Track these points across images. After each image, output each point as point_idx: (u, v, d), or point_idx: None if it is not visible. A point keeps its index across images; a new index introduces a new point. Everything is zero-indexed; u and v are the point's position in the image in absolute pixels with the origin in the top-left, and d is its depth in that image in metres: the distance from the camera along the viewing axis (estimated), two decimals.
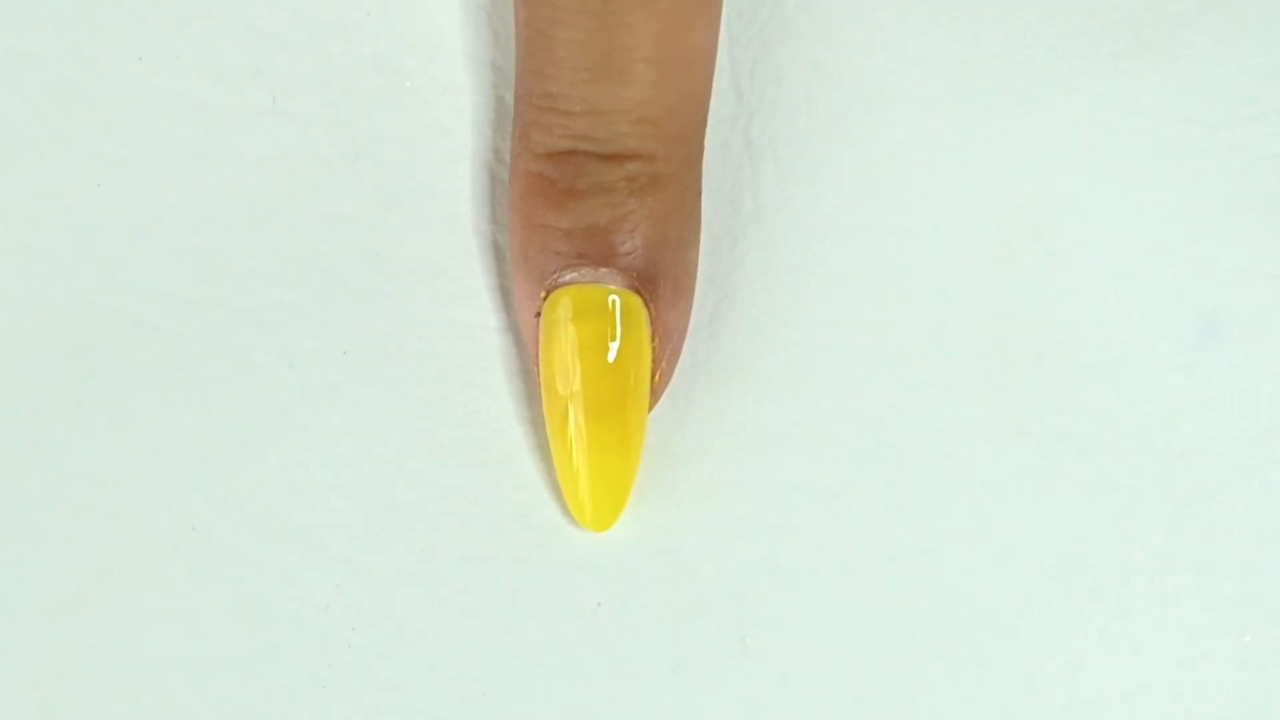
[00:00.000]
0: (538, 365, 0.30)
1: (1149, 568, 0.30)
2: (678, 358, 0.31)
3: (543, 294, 0.29)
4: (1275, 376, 0.31)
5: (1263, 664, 0.30)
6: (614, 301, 0.29)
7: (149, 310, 0.31)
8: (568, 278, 0.29)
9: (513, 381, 0.31)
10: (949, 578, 0.30)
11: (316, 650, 0.30)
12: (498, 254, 0.32)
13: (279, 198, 0.32)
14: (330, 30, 0.32)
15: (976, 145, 0.32)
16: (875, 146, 0.32)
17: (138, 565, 0.30)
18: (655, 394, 0.30)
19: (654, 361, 0.30)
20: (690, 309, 0.31)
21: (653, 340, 0.29)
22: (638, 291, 0.29)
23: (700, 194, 0.30)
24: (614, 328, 0.29)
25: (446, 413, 0.31)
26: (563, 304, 0.29)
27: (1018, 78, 0.32)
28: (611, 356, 0.29)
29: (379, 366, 0.31)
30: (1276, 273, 0.31)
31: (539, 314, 0.29)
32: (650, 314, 0.29)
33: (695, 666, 0.30)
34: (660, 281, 0.29)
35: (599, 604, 0.30)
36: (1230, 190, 0.32)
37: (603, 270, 0.29)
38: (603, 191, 0.29)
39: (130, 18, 0.32)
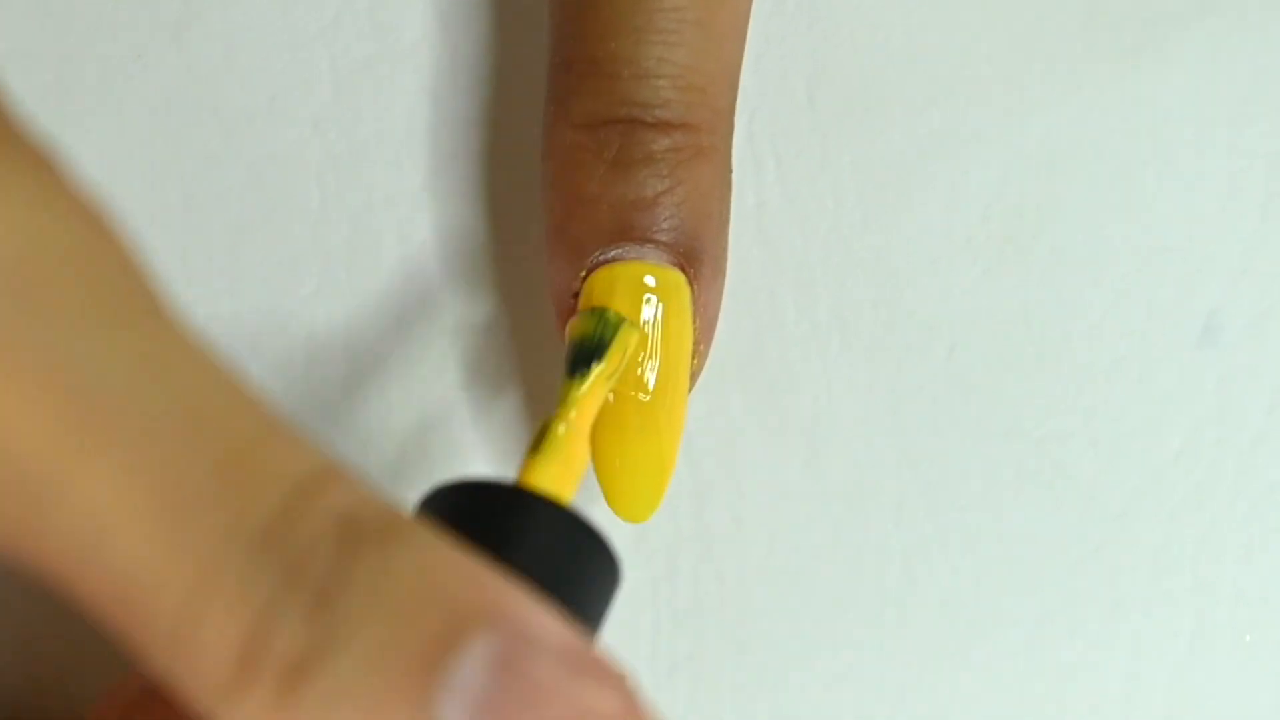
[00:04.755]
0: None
1: (1148, 567, 0.30)
2: (713, 339, 0.30)
3: (583, 273, 0.28)
4: (1274, 376, 0.31)
5: (1263, 664, 0.30)
6: (657, 280, 0.28)
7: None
8: (610, 255, 0.28)
9: (513, 380, 0.31)
10: (949, 577, 0.30)
11: None
12: (496, 253, 0.32)
13: (276, 198, 0.32)
14: (326, 30, 0.32)
15: (976, 145, 0.32)
16: (875, 146, 0.32)
17: None
18: (693, 377, 0.29)
19: (694, 343, 0.29)
20: (724, 289, 0.30)
21: (694, 320, 0.29)
22: (682, 269, 0.28)
23: (732, 171, 0.30)
24: (659, 307, 0.28)
25: (448, 412, 0.31)
26: (606, 283, 0.28)
27: (1018, 78, 0.32)
28: (655, 337, 0.28)
29: (378, 366, 0.31)
30: (1276, 273, 0.31)
31: (577, 294, 0.28)
32: (693, 293, 0.28)
33: (695, 666, 0.30)
34: (704, 259, 0.29)
35: None
36: (1229, 190, 0.32)
37: (647, 247, 0.28)
38: (649, 162, 0.28)
39: (128, 18, 0.32)
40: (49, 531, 0.19)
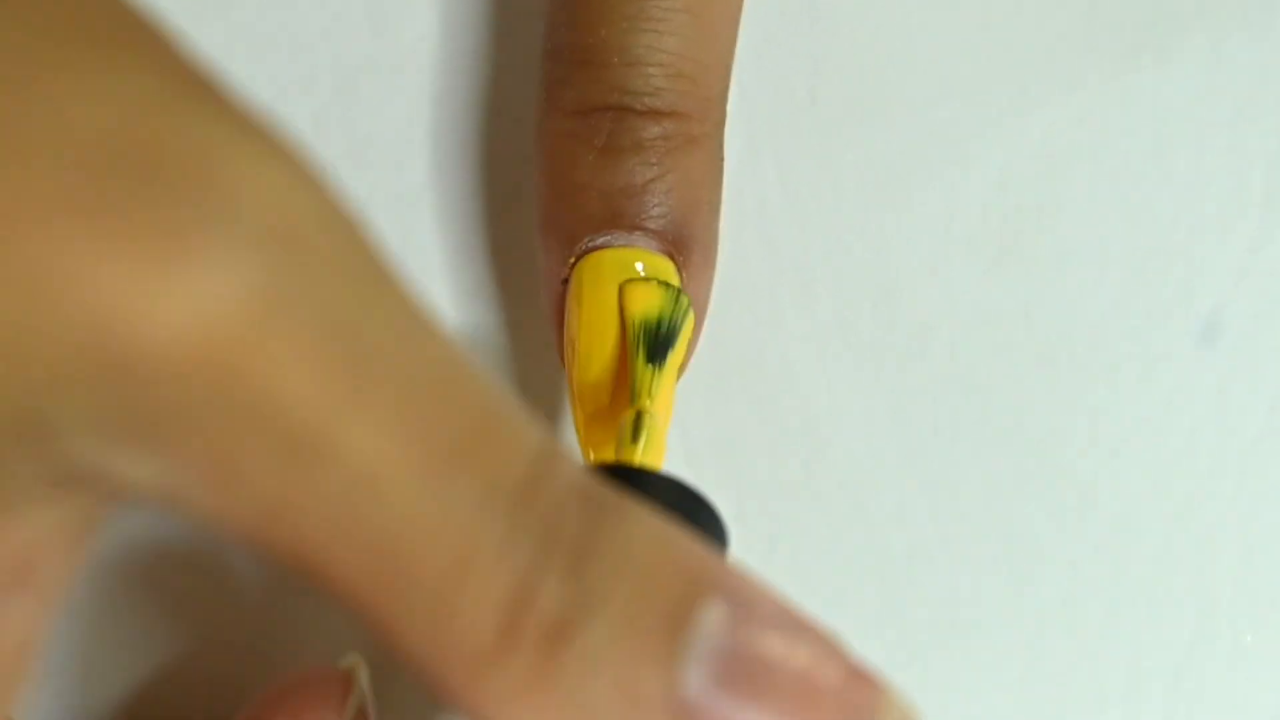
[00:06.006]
0: (560, 335, 0.29)
1: (1148, 567, 0.30)
2: (701, 328, 0.30)
3: (572, 260, 0.28)
4: (1274, 376, 0.31)
5: (1263, 664, 0.30)
6: (645, 266, 0.28)
7: None
8: (599, 242, 0.28)
9: (514, 378, 0.31)
10: (948, 578, 0.30)
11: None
12: (496, 253, 0.32)
13: None
14: (326, 31, 0.32)
15: (976, 145, 0.32)
16: (875, 146, 0.32)
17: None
18: (682, 365, 0.29)
19: None
20: (713, 279, 0.30)
21: None
22: (671, 257, 0.28)
23: (723, 161, 0.30)
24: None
25: None
26: (593, 269, 0.28)
27: (1018, 78, 0.32)
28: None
29: None
30: (1276, 272, 0.31)
31: (566, 280, 0.28)
32: (682, 280, 0.28)
33: None
34: (693, 247, 0.28)
35: None
36: (1229, 190, 0.32)
37: (636, 234, 0.28)
38: (639, 150, 0.28)
39: None
40: (314, 494, 0.18)
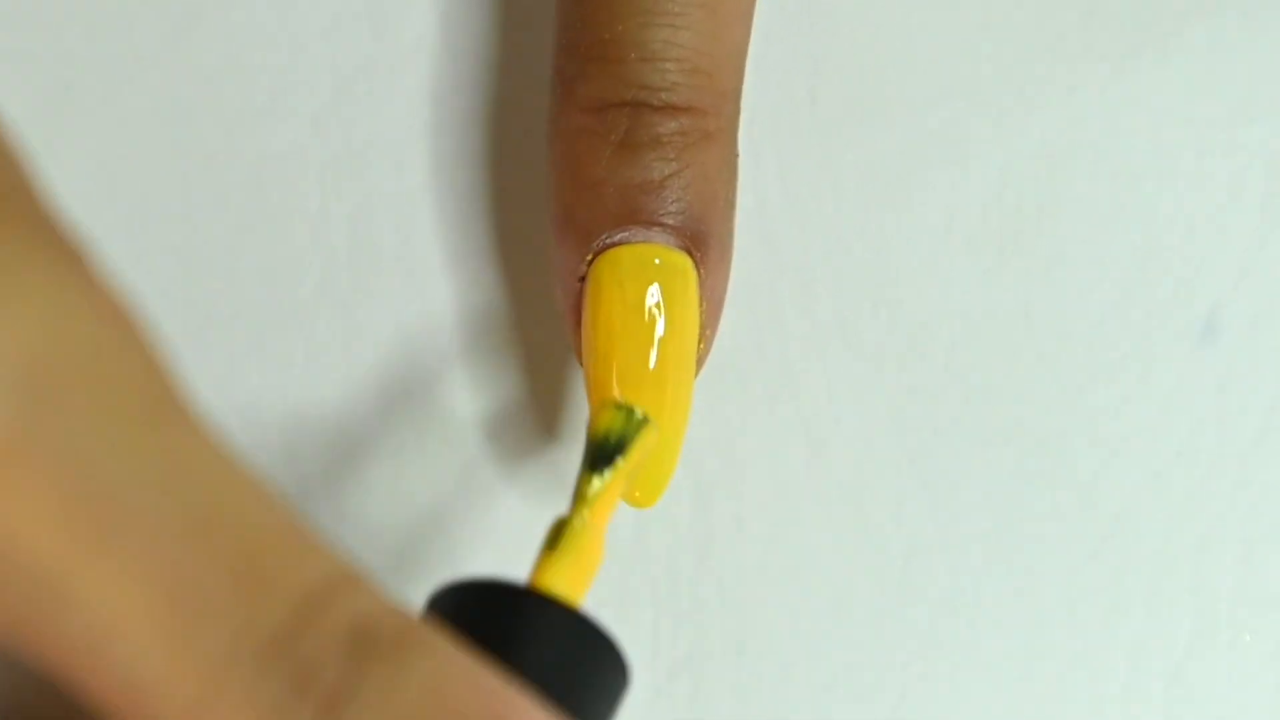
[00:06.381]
0: (577, 334, 0.29)
1: (1148, 567, 0.30)
2: (718, 324, 0.29)
3: (590, 256, 0.28)
4: (1274, 376, 0.31)
5: (1262, 664, 0.30)
6: (663, 262, 0.28)
7: (144, 310, 0.31)
8: (617, 238, 0.28)
9: (514, 377, 0.31)
10: (948, 578, 0.30)
11: None
12: (497, 253, 0.32)
13: (274, 197, 0.32)
14: (326, 31, 0.32)
15: (976, 145, 0.32)
16: (875, 146, 0.32)
17: None
18: (699, 361, 0.29)
19: (700, 327, 0.28)
20: (729, 273, 0.29)
21: (700, 304, 0.28)
22: (688, 252, 0.28)
23: (738, 156, 0.30)
24: (665, 290, 0.28)
25: (446, 411, 0.31)
26: (611, 265, 0.28)
27: (1018, 78, 0.32)
28: (661, 320, 0.28)
29: (377, 366, 0.31)
30: (1276, 273, 0.31)
31: (583, 278, 0.28)
32: (700, 276, 0.28)
33: (694, 667, 0.30)
34: (710, 242, 0.28)
35: (599, 604, 0.30)
36: (1229, 190, 0.32)
37: (654, 230, 0.28)
38: (656, 145, 0.28)
39: (128, 18, 0.32)
40: (55, 629, 0.18)
